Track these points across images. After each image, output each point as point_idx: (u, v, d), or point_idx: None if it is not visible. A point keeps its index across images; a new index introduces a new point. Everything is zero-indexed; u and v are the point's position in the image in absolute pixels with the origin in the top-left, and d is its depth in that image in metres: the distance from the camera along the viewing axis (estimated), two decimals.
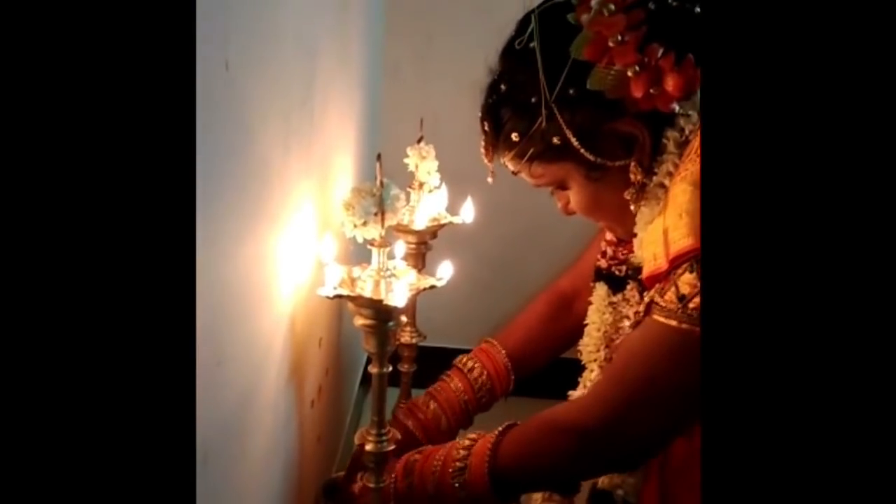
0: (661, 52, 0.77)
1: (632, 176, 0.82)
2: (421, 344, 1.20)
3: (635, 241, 0.86)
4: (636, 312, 0.87)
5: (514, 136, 0.84)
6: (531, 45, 0.82)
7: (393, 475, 0.92)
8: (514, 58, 0.85)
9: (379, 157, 0.83)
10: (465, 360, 1.14)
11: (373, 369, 0.89)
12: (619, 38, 0.77)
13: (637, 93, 0.77)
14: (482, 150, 0.90)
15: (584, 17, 0.79)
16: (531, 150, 0.84)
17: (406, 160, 1.11)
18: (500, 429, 0.89)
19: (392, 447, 0.93)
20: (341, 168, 1.14)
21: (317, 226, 0.94)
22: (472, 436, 0.91)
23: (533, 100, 0.81)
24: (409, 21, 1.57)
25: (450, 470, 0.88)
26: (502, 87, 0.85)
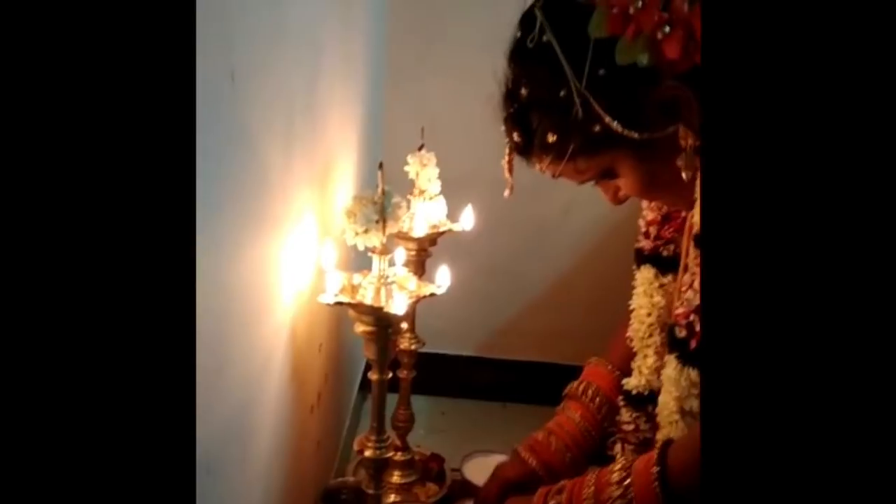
0: (686, 5, 0.73)
1: (682, 142, 0.77)
2: (420, 350, 1.20)
3: (698, 207, 0.81)
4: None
5: (551, 137, 0.79)
6: (544, 39, 0.78)
7: None
8: (527, 58, 0.81)
9: (381, 165, 0.83)
10: (575, 385, 1.08)
11: (373, 376, 0.90)
12: (639, 3, 0.73)
13: (672, 54, 0.73)
14: (506, 164, 0.86)
15: None
16: (571, 147, 0.79)
17: (407, 167, 1.11)
18: (658, 447, 0.83)
19: (391, 454, 0.93)
20: (343, 174, 1.14)
21: (318, 233, 0.95)
22: (621, 462, 0.86)
23: (562, 93, 0.77)
24: (411, 27, 1.57)
25: (607, 495, 0.83)
26: (523, 91, 0.81)
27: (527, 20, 0.81)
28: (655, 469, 0.81)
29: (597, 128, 0.77)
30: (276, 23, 0.73)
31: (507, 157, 0.86)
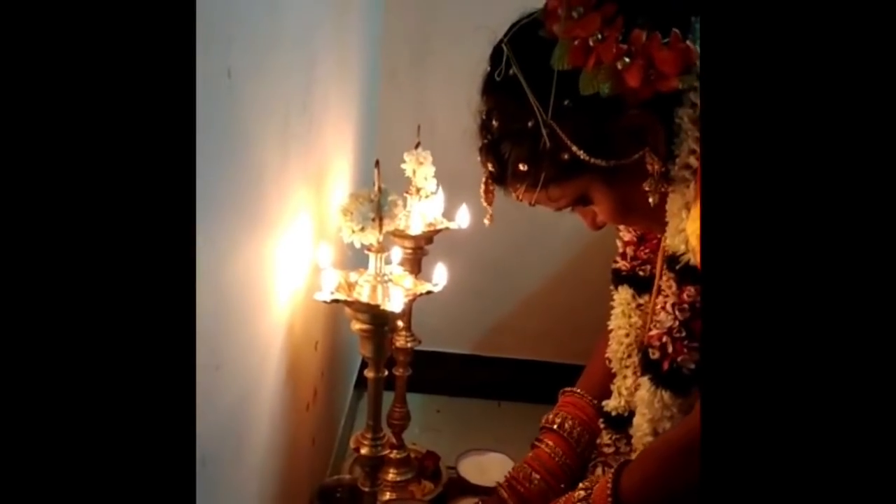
0: (644, 35, 0.75)
1: (648, 167, 0.79)
2: (416, 348, 1.20)
3: (668, 229, 0.83)
4: (674, 304, 0.84)
5: (522, 167, 0.82)
6: (511, 72, 0.80)
7: None
8: (497, 91, 0.83)
9: (377, 163, 0.84)
10: (551, 417, 1.08)
11: (369, 373, 0.90)
12: (599, 35, 0.75)
13: (634, 83, 0.75)
14: (483, 194, 0.88)
15: (556, 28, 0.77)
16: (543, 176, 0.81)
17: (403, 165, 1.12)
18: (616, 466, 0.86)
19: (387, 451, 0.94)
20: (339, 173, 1.14)
21: (314, 231, 0.95)
22: (587, 482, 0.89)
23: (530, 124, 0.79)
24: (407, 26, 1.57)
25: None
26: (494, 123, 0.83)
27: (495, 55, 0.84)
28: (609, 487, 0.84)
29: (565, 156, 0.79)
30: (272, 23, 0.73)
31: (483, 187, 0.88)
